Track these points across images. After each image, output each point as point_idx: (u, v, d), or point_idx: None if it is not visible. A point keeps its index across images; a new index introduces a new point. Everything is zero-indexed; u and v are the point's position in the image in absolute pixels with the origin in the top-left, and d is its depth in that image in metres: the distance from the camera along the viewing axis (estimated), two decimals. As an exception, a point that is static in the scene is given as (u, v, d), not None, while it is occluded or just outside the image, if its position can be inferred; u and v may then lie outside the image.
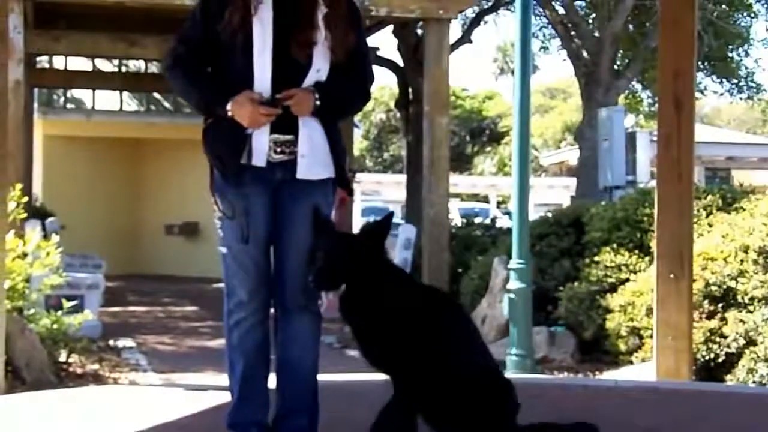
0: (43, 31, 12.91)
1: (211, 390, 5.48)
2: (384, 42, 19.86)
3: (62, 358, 7.31)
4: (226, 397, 4.12)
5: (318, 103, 3.73)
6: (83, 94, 20.46)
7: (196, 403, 5.19)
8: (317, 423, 3.89)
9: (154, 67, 19.25)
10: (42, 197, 17.07)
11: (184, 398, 5.53)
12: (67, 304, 7.42)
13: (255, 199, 3.76)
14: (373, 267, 3.76)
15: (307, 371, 3.85)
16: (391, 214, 3.90)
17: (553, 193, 32.79)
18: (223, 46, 3.72)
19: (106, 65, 19.46)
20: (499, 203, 36.34)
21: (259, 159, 3.73)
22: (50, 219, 12.55)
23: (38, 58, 16.81)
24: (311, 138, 3.77)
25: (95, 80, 18.83)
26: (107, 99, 20.11)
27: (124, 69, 19.46)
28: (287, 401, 3.87)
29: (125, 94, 20.13)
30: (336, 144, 3.85)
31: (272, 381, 3.96)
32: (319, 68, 3.75)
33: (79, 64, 18.72)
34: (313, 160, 3.78)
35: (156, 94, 20.24)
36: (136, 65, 19.40)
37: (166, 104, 20.49)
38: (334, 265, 3.69)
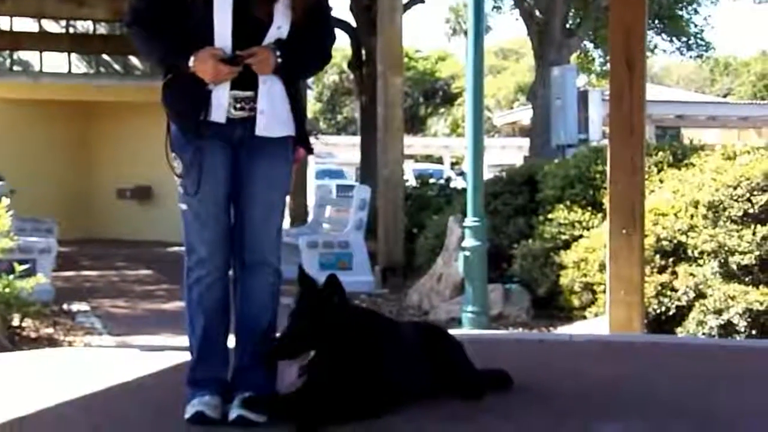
0: (-13, -9, 12.62)
1: (168, 350, 5.48)
2: (336, 2, 19.71)
3: (15, 322, 7.22)
4: (183, 356, 4.13)
5: (279, 60, 3.72)
6: (30, 56, 20.06)
7: (154, 363, 5.20)
8: (275, 379, 3.92)
9: (102, 29, 18.94)
10: (-10, 162, 16.82)
11: (141, 358, 5.53)
12: (18, 268, 7.33)
13: (214, 156, 3.76)
14: (344, 325, 3.81)
15: (266, 327, 3.87)
16: (333, 275, 3.88)
17: (507, 154, 32.94)
18: (184, 2, 3.69)
19: (53, 26, 19.10)
20: (453, 164, 36.46)
21: (218, 115, 3.73)
22: (-1, 183, 12.37)
23: (-18, 20, 16.48)
24: (271, 94, 3.77)
25: (42, 42, 18.47)
26: (55, 61, 19.75)
27: (71, 30, 19.11)
28: (246, 357, 3.89)
29: (73, 56, 19.78)
30: (296, 102, 3.86)
31: (231, 340, 3.98)
32: (280, 25, 3.75)
33: (25, 25, 18.36)
34: (272, 116, 3.78)
35: (105, 56, 19.93)
36: (84, 26, 19.06)
37: (116, 66, 20.18)
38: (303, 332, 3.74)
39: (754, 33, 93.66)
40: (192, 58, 3.67)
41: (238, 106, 3.75)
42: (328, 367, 3.79)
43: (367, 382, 3.84)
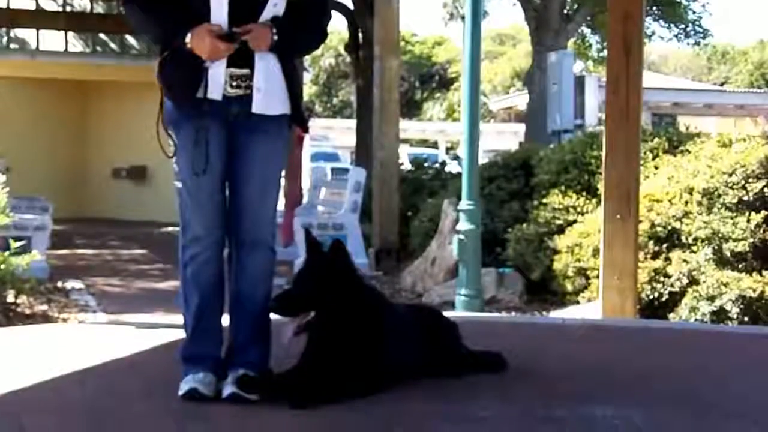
0: (-17, -32, 12.56)
1: (162, 328, 5.49)
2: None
3: (10, 299, 7.24)
4: (177, 334, 4.14)
5: (275, 37, 3.73)
6: (27, 34, 20.01)
7: (148, 341, 5.22)
8: (269, 357, 3.94)
9: (99, 7, 18.89)
10: (-14, 139, 16.77)
11: (135, 336, 5.54)
12: (14, 245, 7.33)
13: (210, 133, 3.77)
14: (349, 291, 3.86)
15: (260, 305, 3.88)
16: (339, 241, 3.94)
17: (503, 139, 32.91)
18: None
19: (50, 4, 19.04)
20: (448, 149, 36.43)
21: (215, 92, 3.74)
22: (-5, 161, 12.35)
23: (-22, -3, 16.41)
24: (267, 72, 3.78)
25: (39, 20, 18.41)
26: (52, 39, 19.69)
27: (68, 8, 19.06)
28: (240, 334, 3.91)
29: (70, 34, 19.73)
30: (293, 80, 3.87)
31: (225, 318, 3.99)
32: (276, 2, 3.77)
33: (22, 2, 18.30)
34: (268, 94, 3.79)
35: (102, 35, 19.87)
36: (81, 5, 19.00)
37: (113, 45, 20.12)
38: (305, 290, 3.80)
39: (752, 21, 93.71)
40: (189, 35, 3.67)
41: (235, 83, 3.76)
42: (327, 329, 3.82)
43: (363, 349, 3.85)
